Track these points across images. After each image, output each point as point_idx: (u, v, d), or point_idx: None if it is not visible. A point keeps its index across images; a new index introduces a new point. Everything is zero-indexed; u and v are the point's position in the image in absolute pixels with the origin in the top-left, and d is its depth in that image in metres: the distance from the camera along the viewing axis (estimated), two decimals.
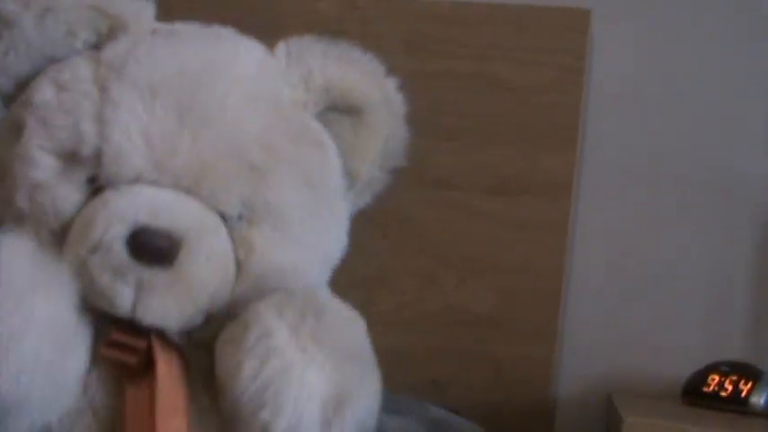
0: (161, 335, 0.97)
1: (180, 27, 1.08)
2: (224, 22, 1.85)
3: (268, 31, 1.86)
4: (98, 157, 0.97)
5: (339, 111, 1.09)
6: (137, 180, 0.97)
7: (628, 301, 1.90)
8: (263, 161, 1.02)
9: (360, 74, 1.10)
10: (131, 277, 0.93)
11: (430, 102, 1.85)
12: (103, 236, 0.93)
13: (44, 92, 1.00)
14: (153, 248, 0.93)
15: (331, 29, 1.85)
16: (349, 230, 1.81)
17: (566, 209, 1.81)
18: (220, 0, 1.92)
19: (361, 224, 1.85)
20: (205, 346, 1.00)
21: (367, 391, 0.97)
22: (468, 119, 1.84)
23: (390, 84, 1.13)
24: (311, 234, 1.07)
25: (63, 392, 0.92)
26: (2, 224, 0.99)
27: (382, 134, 1.13)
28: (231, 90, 1.03)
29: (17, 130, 1.00)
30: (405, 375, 1.80)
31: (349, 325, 1.00)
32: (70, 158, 0.98)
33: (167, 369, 0.95)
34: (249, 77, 1.06)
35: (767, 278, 1.86)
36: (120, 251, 0.93)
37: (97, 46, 1.04)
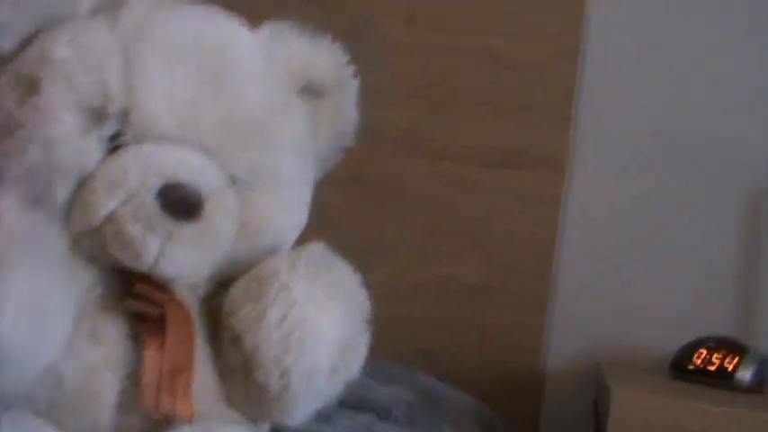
0: (170, 291, 1.01)
1: (178, 3, 1.11)
2: None
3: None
4: (125, 115, 0.99)
5: (307, 93, 1.16)
6: (162, 139, 1.00)
7: (618, 274, 1.92)
8: (268, 129, 1.08)
9: (328, 61, 1.18)
10: (161, 230, 0.96)
11: (429, 75, 1.87)
12: (139, 188, 0.96)
13: (62, 50, 1.01)
14: (184, 203, 0.97)
15: (333, 0, 1.89)
16: (345, 198, 1.84)
17: (559, 182, 1.84)
18: None
19: (358, 193, 1.88)
20: (205, 302, 1.06)
21: (365, 342, 1.06)
22: (465, 92, 1.86)
23: (350, 71, 1.20)
24: (298, 200, 1.13)
25: (40, 361, 0.93)
26: None
27: (340, 117, 1.20)
28: (240, 60, 1.08)
29: (29, 85, 1.00)
30: (397, 344, 1.82)
31: (352, 279, 1.07)
32: (94, 115, 0.99)
33: (177, 325, 0.99)
34: (250, 51, 1.11)
35: (754, 254, 1.88)
36: (153, 203, 0.96)
37: (96, 11, 1.05)
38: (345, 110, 1.21)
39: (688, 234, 1.91)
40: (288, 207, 1.11)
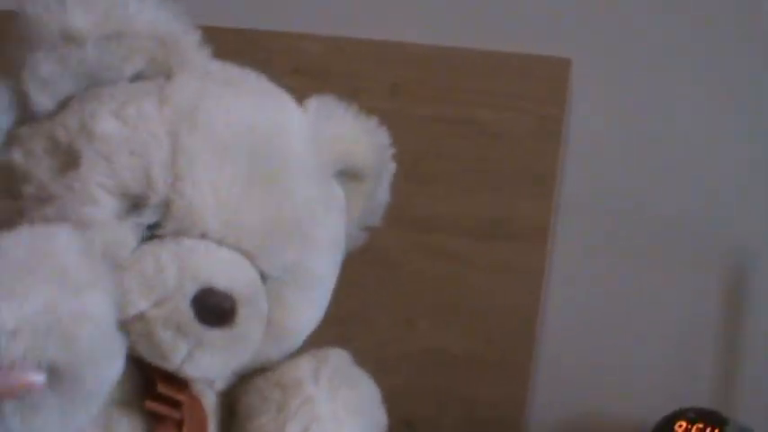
0: (189, 388, 0.99)
1: (231, 71, 1.07)
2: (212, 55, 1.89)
3: (252, 67, 1.90)
4: (167, 206, 0.94)
5: (345, 175, 1.13)
6: (202, 236, 0.96)
7: (600, 346, 1.92)
8: (309, 228, 1.04)
9: (373, 144, 1.15)
10: (193, 336, 0.92)
11: (413, 145, 1.88)
12: (175, 292, 0.92)
13: (106, 123, 0.95)
14: (219, 311, 0.93)
15: (317, 69, 1.90)
16: None
17: (542, 254, 1.84)
18: (207, 36, 1.94)
19: (342, 263, 1.87)
20: (220, 395, 1.04)
21: None
22: (449, 163, 1.87)
23: (390, 153, 1.18)
24: (326, 295, 1.11)
25: (105, 387, 0.88)
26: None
27: (373, 199, 1.18)
28: (291, 152, 1.04)
29: (67, 156, 0.95)
30: None
31: (374, 395, 1.08)
32: (133, 202, 0.94)
33: (193, 425, 0.97)
34: (301, 137, 1.06)
35: (734, 327, 1.88)
36: (187, 310, 0.92)
37: (142, 76, 1.00)
38: (380, 192, 1.19)
39: (669, 306, 1.91)
40: (316, 304, 1.09)
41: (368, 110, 1.93)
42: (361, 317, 1.86)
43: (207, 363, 0.94)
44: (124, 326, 0.92)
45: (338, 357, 1.06)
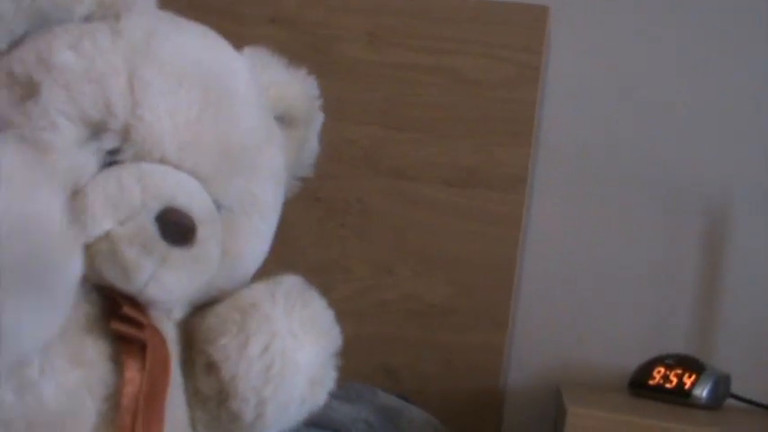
0: (149, 314, 0.99)
1: (176, 17, 1.09)
2: (186, 6, 1.88)
3: (228, 17, 1.90)
4: (126, 131, 0.97)
5: (279, 121, 1.16)
6: (161, 161, 0.98)
7: (578, 293, 1.93)
8: (255, 158, 1.07)
9: (303, 93, 1.19)
10: (157, 254, 0.94)
11: (389, 93, 1.88)
12: (139, 210, 0.94)
13: (63, 55, 0.97)
14: (181, 228, 0.95)
15: (293, 19, 1.90)
16: (307, 216, 1.85)
17: (520, 202, 1.84)
18: None
19: (320, 212, 1.88)
20: (177, 326, 1.05)
21: (332, 376, 1.07)
22: (426, 111, 1.87)
23: (319, 104, 1.21)
24: (271, 230, 1.13)
25: (67, 285, 0.88)
26: None
27: (304, 148, 1.21)
28: (237, 86, 1.07)
29: (26, 87, 0.97)
30: (358, 362, 1.81)
31: (326, 314, 1.07)
32: (93, 127, 0.96)
33: (156, 350, 0.97)
34: (244, 75, 1.09)
35: (712, 275, 1.90)
36: (152, 227, 0.94)
37: (91, 19, 1.02)
38: (311, 142, 1.22)
39: (647, 254, 1.92)
40: (263, 236, 1.11)
41: (344, 58, 1.94)
42: (339, 266, 1.87)
43: (170, 283, 0.96)
44: (89, 248, 0.93)
45: (291, 280, 1.07)
